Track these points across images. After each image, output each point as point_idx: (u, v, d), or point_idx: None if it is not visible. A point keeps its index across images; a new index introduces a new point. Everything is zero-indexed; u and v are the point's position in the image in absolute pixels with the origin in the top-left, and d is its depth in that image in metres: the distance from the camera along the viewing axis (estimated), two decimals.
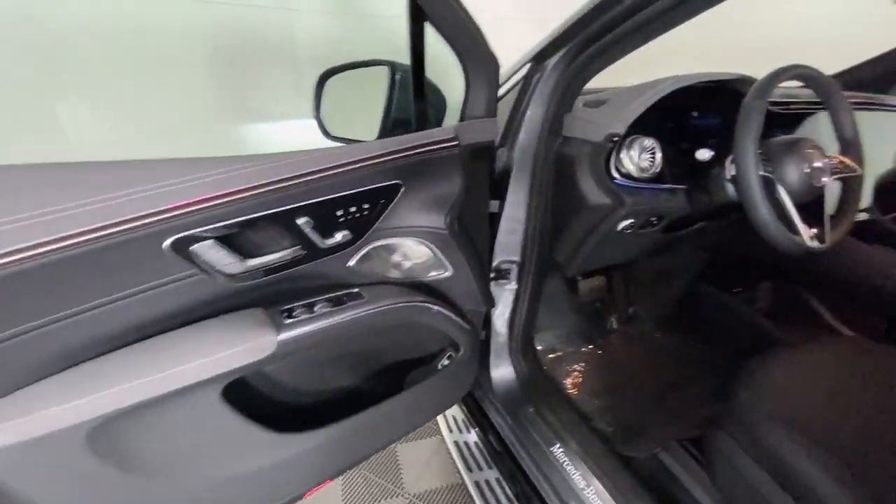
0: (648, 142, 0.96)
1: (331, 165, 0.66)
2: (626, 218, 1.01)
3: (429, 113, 0.88)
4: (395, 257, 0.83)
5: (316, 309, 0.71)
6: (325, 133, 0.96)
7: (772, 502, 0.77)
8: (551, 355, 1.48)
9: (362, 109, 0.92)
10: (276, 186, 0.62)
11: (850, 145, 0.94)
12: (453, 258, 0.88)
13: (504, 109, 1.05)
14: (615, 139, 0.95)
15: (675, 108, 1.05)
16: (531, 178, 1.07)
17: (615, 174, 0.97)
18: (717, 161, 0.99)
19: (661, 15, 0.76)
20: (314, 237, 0.68)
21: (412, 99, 0.85)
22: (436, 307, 0.85)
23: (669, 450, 1.09)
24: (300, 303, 0.72)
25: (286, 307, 0.70)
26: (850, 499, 0.68)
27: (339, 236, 0.71)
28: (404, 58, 0.83)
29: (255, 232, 0.64)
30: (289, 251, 0.67)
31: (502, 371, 1.25)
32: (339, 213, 0.70)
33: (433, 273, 0.88)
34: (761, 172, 0.83)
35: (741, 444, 0.84)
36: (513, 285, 1.18)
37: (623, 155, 0.96)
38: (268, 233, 0.65)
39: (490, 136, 0.87)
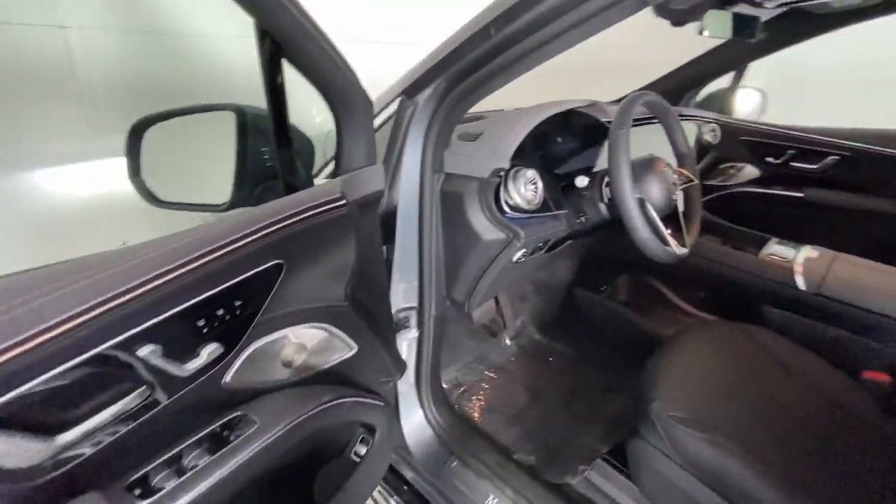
0: (530, 173, 0.96)
1: (177, 264, 0.47)
2: (520, 249, 1.00)
3: (297, 164, 0.73)
4: (287, 353, 0.65)
5: (186, 462, 0.50)
6: (153, 200, 0.73)
7: (700, 502, 0.82)
8: (458, 391, 1.42)
9: (201, 163, 0.71)
10: (94, 314, 0.40)
11: (686, 158, 1.08)
12: (357, 333, 0.74)
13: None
14: (501, 174, 0.92)
15: (539, 135, 1.09)
16: (419, 220, 0.99)
17: (506, 209, 0.95)
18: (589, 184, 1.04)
19: (539, 47, 0.75)
20: (167, 366, 0.48)
21: (275, 148, 0.69)
22: (347, 400, 0.70)
23: (595, 467, 1.11)
24: (158, 460, 0.50)
25: (134, 478, 0.48)
26: (768, 486, 0.76)
27: (204, 354, 0.51)
28: (244, 91, 0.66)
29: (68, 387, 0.41)
30: (130, 398, 0.46)
31: (415, 426, 1.13)
32: (201, 322, 0.50)
33: (335, 357, 0.73)
34: (637, 196, 0.89)
35: (661, 449, 0.89)
36: (413, 333, 1.08)
37: (510, 188, 0.95)
38: (91, 382, 0.43)
39: (378, 185, 0.76)
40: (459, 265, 1.05)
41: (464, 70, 0.84)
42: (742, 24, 1.24)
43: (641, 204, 0.91)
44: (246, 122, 0.70)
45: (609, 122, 1.22)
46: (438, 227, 1.01)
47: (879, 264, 1.20)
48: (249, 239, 0.53)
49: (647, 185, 0.95)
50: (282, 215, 0.57)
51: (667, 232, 0.95)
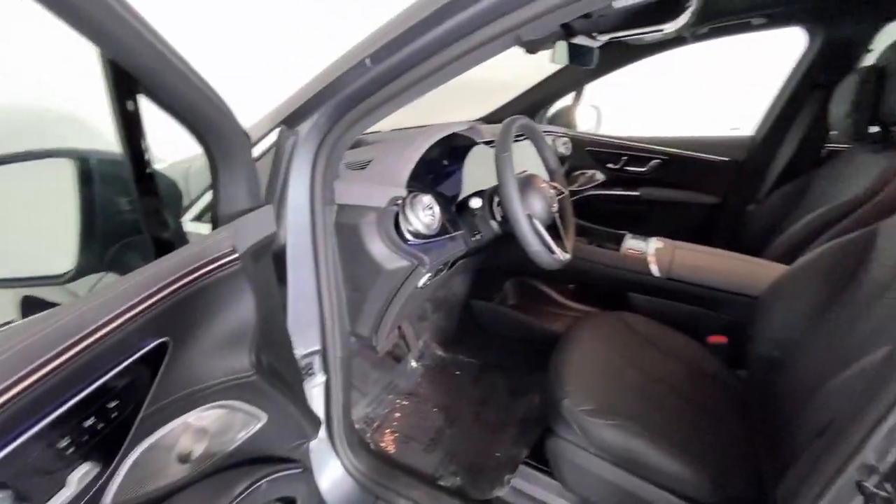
0: (427, 198, 0.97)
1: (19, 376, 0.35)
2: (426, 274, 0.99)
3: (165, 215, 0.61)
4: (183, 445, 0.53)
5: None
6: None
7: (619, 485, 0.91)
8: (371, 428, 1.34)
9: (30, 224, 0.56)
10: None
11: (557, 173, 1.20)
12: (266, 400, 0.64)
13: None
14: (399, 202, 0.91)
15: (427, 159, 1.10)
16: (314, 257, 0.91)
17: (408, 236, 0.93)
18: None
19: (423, 79, 0.75)
20: None
21: (136, 197, 0.57)
22: (263, 482, 0.60)
23: (520, 473, 1.15)
24: None
25: None
26: (662, 453, 0.86)
27: (73, 482, 0.39)
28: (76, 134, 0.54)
29: None
30: None
31: (334, 480, 1.04)
32: (64, 442, 0.38)
33: (242, 434, 0.62)
34: (526, 213, 0.95)
35: (576, 443, 0.95)
36: (319, 379, 1.00)
37: (410, 215, 0.93)
38: None
39: (269, 227, 0.68)
40: (363, 299, 1.00)
41: (348, 99, 0.81)
42: (582, 53, 1.44)
43: (530, 219, 0.97)
44: (90, 169, 0.57)
45: (486, 142, 1.29)
46: (336, 263, 0.95)
47: (709, 248, 1.48)
48: (121, 320, 0.42)
49: (531, 202, 1.03)
50: (162, 283, 0.47)
51: (553, 242, 1.03)
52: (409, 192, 0.94)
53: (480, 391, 1.51)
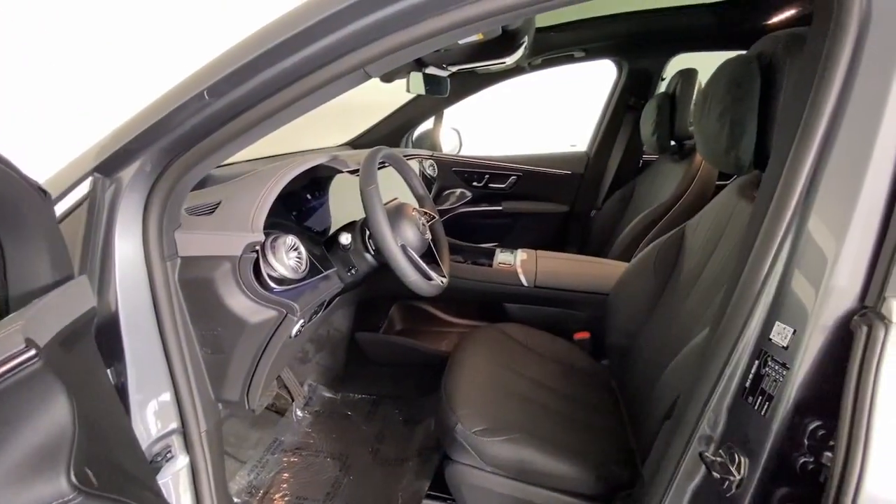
0: (290, 239, 0.89)
1: None
2: (298, 321, 0.91)
3: None
4: None
5: None
6: None
7: (517, 497, 0.93)
8: (256, 498, 1.19)
9: None
10: None
11: (425, 199, 1.22)
12: None
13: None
14: (256, 248, 0.82)
15: (287, 195, 1.03)
16: (158, 322, 0.78)
17: (271, 284, 0.85)
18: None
19: (271, 115, 0.69)
20: None
21: None
22: None
23: None
24: None
25: None
26: (548, 456, 0.92)
27: None
28: None
29: None
30: None
31: None
32: None
33: None
34: (400, 243, 0.94)
35: (473, 465, 0.97)
36: (181, 461, 0.85)
37: (271, 260, 0.85)
38: None
39: (86, 302, 0.56)
40: (226, 361, 0.88)
41: (183, 139, 0.71)
42: (436, 83, 1.50)
43: (404, 249, 0.96)
44: None
45: (351, 171, 1.25)
46: (186, 324, 0.82)
47: (566, 254, 1.65)
48: None
49: (403, 231, 1.02)
50: None
51: (429, 269, 1.04)
52: (269, 234, 0.86)
53: (376, 427, 1.45)
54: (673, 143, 1.72)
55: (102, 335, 0.73)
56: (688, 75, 1.63)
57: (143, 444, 0.78)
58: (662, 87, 1.97)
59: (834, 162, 0.55)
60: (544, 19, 1.74)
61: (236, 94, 0.68)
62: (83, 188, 0.71)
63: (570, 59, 1.96)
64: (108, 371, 0.75)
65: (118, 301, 0.73)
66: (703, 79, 1.66)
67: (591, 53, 1.96)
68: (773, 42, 0.80)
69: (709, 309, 0.92)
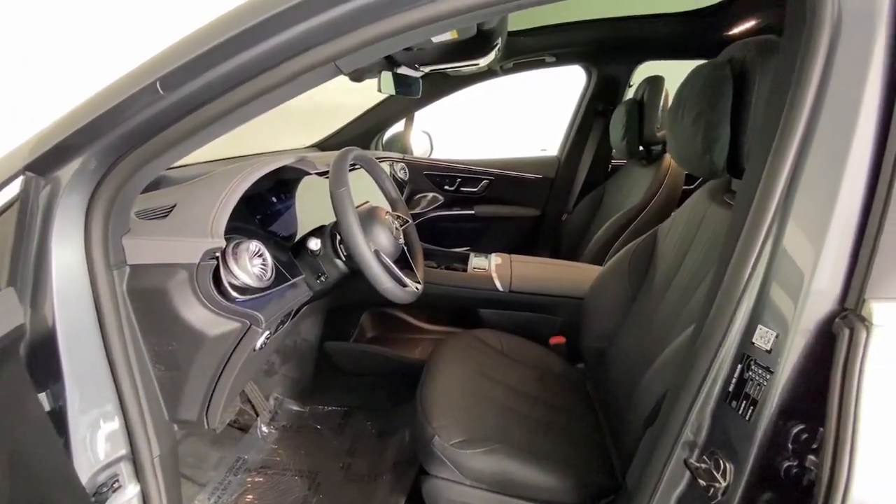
0: (253, 245, 0.83)
1: None
2: (263, 333, 0.85)
3: None
4: None
5: None
6: None
7: None
8: None
9: None
10: None
11: (398, 202, 1.18)
12: None
13: None
14: (217, 255, 0.76)
15: (251, 198, 0.97)
16: (102, 337, 0.70)
17: (233, 293, 0.78)
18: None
19: (233, 109, 0.64)
20: None
21: None
22: None
23: None
24: None
25: None
26: (527, 466, 0.89)
27: None
28: None
29: None
30: None
31: None
32: None
33: None
34: (373, 248, 0.89)
35: (451, 479, 0.93)
36: (133, 489, 0.77)
37: (234, 268, 0.79)
38: None
39: (12, 319, 0.49)
40: (183, 378, 0.80)
41: (133, 135, 0.64)
42: (407, 84, 1.47)
43: (377, 255, 0.92)
44: None
45: (319, 173, 1.20)
46: (137, 339, 0.75)
47: (539, 258, 1.64)
48: None
49: (376, 236, 0.97)
50: None
51: (403, 275, 1.00)
52: (231, 240, 0.80)
53: (347, 441, 1.39)
54: (641, 147, 1.75)
55: (36, 355, 0.65)
56: (655, 82, 1.67)
57: (85, 476, 0.70)
58: (630, 94, 2.01)
59: (811, 166, 0.56)
60: (516, 23, 1.74)
61: (194, 86, 0.63)
62: (13, 189, 0.63)
63: (542, 64, 1.97)
64: (44, 395, 0.67)
65: (55, 315, 0.66)
66: (668, 87, 1.71)
67: (562, 59, 1.98)
68: (743, 48, 0.81)
69: (684, 311, 0.93)
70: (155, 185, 0.92)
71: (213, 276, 0.76)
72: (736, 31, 1.57)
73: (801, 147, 0.56)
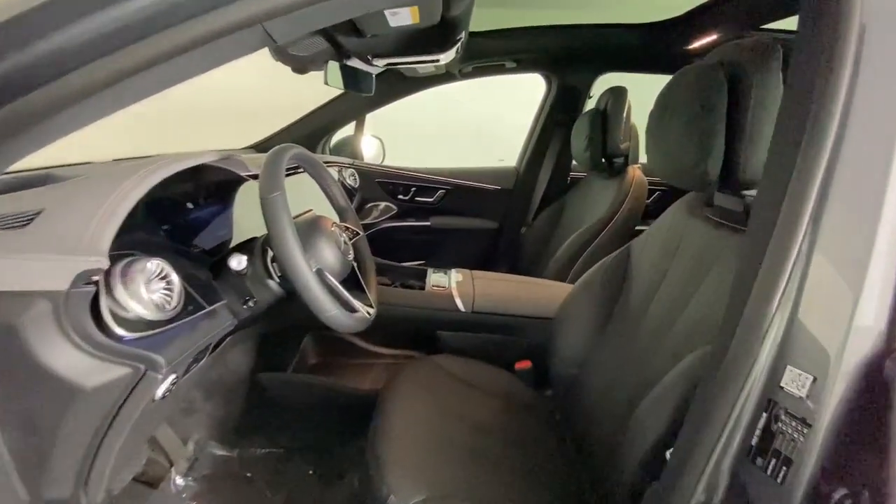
0: (152, 264, 0.63)
1: None
2: (166, 378, 0.65)
3: None
4: None
5: None
6: None
7: None
8: None
9: None
10: None
11: (347, 211, 1.02)
12: None
13: None
14: (96, 278, 0.56)
15: (157, 204, 0.77)
16: None
17: (118, 330, 0.58)
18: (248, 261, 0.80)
19: (121, 78, 0.46)
20: None
21: None
22: None
23: None
24: None
25: None
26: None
27: None
28: None
29: None
30: None
31: None
32: None
33: None
34: (315, 267, 0.73)
35: None
36: None
37: (121, 295, 0.59)
38: None
39: None
40: (48, 444, 0.59)
41: None
42: (359, 79, 1.31)
43: (320, 275, 0.75)
44: None
45: (251, 175, 1.01)
46: None
47: (504, 275, 1.53)
48: None
49: (319, 252, 0.81)
50: None
51: (352, 298, 0.84)
52: (120, 259, 0.60)
53: (284, 491, 1.18)
54: (604, 160, 1.70)
55: None
56: (618, 93, 1.62)
57: None
58: (590, 105, 1.97)
59: (845, 181, 0.47)
60: (478, 23, 1.64)
61: (54, 42, 0.45)
62: None
63: (502, 70, 1.88)
64: None
65: None
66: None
67: (522, 65, 1.91)
68: (735, 50, 0.74)
69: (668, 338, 0.84)
70: (8, 189, 0.70)
71: (92, 306, 0.56)
72: (697, 45, 1.57)
73: (831, 161, 0.47)
